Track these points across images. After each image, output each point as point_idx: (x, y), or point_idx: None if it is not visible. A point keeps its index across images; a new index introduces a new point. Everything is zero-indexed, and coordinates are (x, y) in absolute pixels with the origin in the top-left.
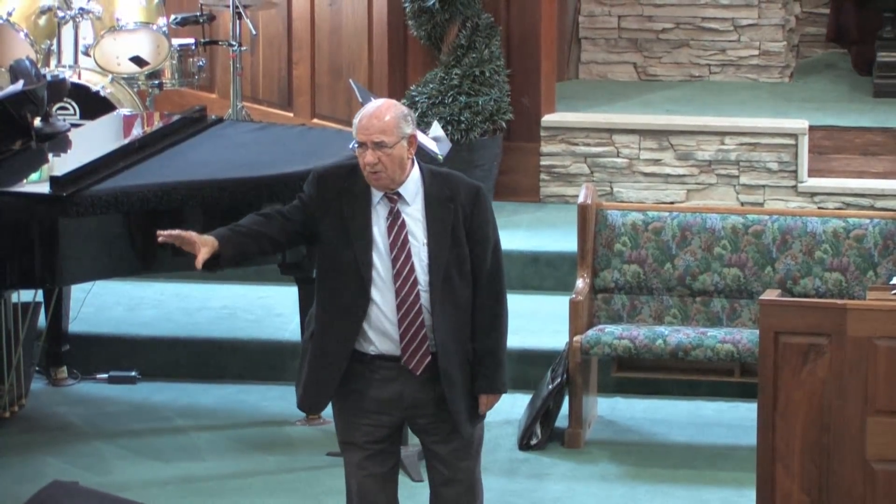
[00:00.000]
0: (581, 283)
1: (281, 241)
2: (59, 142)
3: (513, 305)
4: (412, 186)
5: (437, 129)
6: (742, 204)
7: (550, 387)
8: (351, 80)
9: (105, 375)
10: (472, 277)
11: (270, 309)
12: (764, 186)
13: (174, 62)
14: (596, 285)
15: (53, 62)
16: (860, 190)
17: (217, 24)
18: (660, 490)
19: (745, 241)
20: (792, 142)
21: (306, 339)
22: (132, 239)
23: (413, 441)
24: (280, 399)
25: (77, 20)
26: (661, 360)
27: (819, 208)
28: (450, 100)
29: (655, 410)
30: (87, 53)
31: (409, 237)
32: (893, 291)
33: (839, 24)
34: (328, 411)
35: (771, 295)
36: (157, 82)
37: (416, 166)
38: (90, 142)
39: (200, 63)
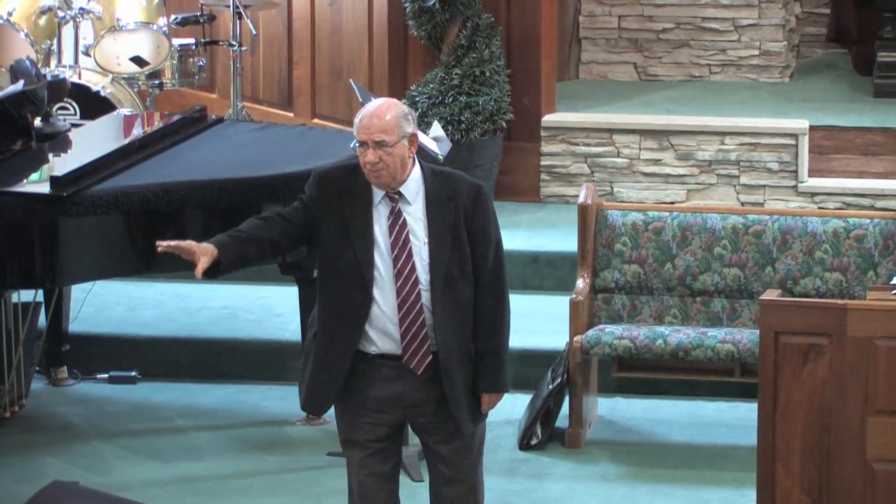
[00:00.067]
0: (581, 283)
1: (282, 245)
2: (60, 142)
3: (513, 305)
4: (413, 185)
5: (437, 129)
6: (742, 204)
7: (551, 387)
8: (351, 81)
9: (105, 375)
10: (474, 277)
11: (271, 309)
12: (764, 186)
13: (174, 62)
14: (596, 285)
15: (54, 62)
16: (860, 190)
17: (217, 24)
18: (660, 490)
19: (746, 241)
20: (792, 142)
21: (309, 339)
22: (132, 239)
23: (413, 441)
24: (280, 399)
25: (77, 20)
26: (661, 360)
27: (819, 208)
28: (450, 100)
29: (656, 410)
30: (87, 53)
31: (411, 236)
32: (894, 291)
33: (839, 24)
34: (328, 411)
35: (771, 295)
36: (157, 82)
37: (418, 165)
38: (90, 142)
39: (201, 63)
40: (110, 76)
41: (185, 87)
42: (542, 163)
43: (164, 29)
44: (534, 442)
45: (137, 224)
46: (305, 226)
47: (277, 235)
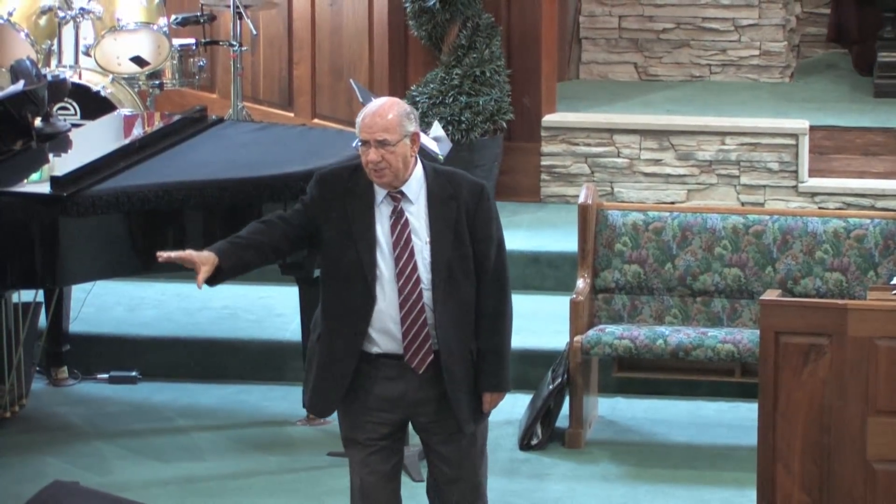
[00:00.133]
0: (582, 284)
1: (283, 248)
2: (60, 142)
3: (514, 305)
4: (415, 185)
5: (437, 129)
6: (743, 204)
7: (551, 387)
8: (351, 81)
9: (106, 375)
10: (476, 276)
11: (271, 309)
12: (764, 186)
13: (175, 62)
14: (596, 285)
15: (54, 62)
16: (861, 190)
17: (218, 24)
18: (660, 490)
19: (746, 241)
20: (792, 142)
21: (313, 341)
22: (133, 239)
23: (414, 441)
24: (281, 399)
25: (77, 20)
26: (661, 360)
27: (820, 208)
28: (450, 100)
29: (656, 410)
30: (87, 53)
31: (413, 236)
32: (894, 291)
33: (840, 25)
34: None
35: (771, 295)
36: (157, 82)
37: (420, 164)
38: (91, 142)
39: (201, 63)
40: (110, 76)
41: (185, 88)
42: (543, 163)
43: (165, 29)
44: (534, 442)
45: (138, 224)
46: (307, 228)
47: (279, 239)
